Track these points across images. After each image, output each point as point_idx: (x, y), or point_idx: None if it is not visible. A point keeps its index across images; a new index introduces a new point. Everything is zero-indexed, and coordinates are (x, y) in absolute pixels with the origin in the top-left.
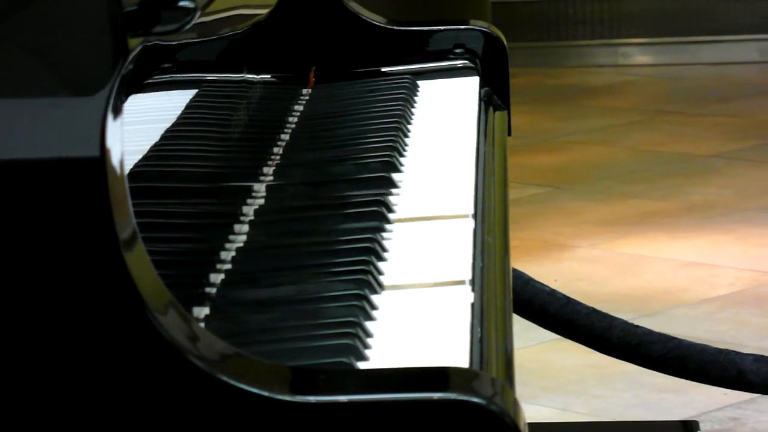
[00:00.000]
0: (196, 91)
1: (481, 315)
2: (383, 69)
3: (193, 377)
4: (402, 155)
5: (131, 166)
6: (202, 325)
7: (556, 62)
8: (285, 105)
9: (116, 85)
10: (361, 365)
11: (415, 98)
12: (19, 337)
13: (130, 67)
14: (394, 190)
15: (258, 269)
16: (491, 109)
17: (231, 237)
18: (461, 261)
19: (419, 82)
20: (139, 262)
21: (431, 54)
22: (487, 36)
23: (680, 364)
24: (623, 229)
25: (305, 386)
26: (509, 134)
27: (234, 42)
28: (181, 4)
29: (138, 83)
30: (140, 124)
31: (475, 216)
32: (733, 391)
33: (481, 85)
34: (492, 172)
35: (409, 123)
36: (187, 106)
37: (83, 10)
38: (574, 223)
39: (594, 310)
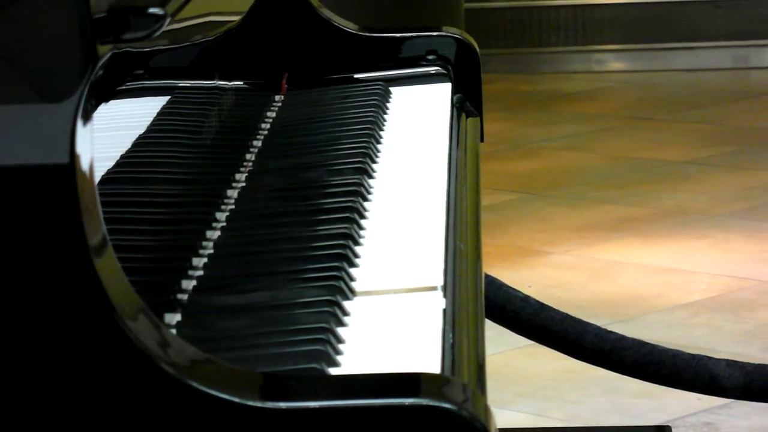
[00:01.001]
0: (169, 97)
1: (452, 321)
2: (356, 75)
3: (163, 383)
4: (374, 161)
5: (103, 173)
6: (174, 331)
7: (529, 68)
8: (257, 112)
9: (86, 92)
10: (333, 371)
11: (388, 105)
12: None
13: (100, 73)
14: (366, 196)
15: (230, 275)
16: (463, 115)
17: (203, 243)
18: (433, 267)
19: (392, 89)
20: (110, 269)
21: (404, 61)
22: (460, 42)
23: (654, 369)
24: (597, 235)
25: (276, 392)
26: (482, 140)
27: (206, 49)
28: (151, 11)
29: (110, 90)
30: (112, 131)
31: (447, 222)
32: (707, 396)
33: (454, 92)
34: (464, 178)
35: (382, 129)
36: (160, 113)
37: (52, 16)
38: (548, 229)
39: (567, 316)
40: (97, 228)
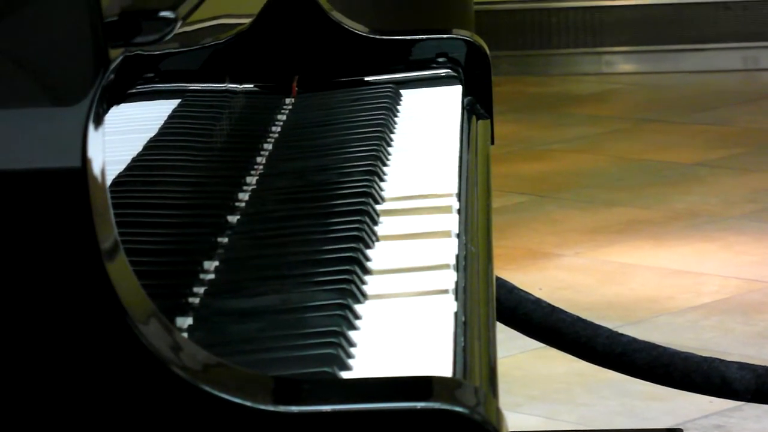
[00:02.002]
0: (180, 100)
1: (464, 324)
2: (366, 78)
3: (175, 387)
4: (385, 164)
5: (114, 176)
6: (185, 334)
7: (539, 70)
8: (268, 114)
9: (97, 96)
10: (345, 375)
11: (398, 107)
12: (0, 347)
13: (112, 77)
14: (377, 199)
15: (241, 279)
16: (474, 117)
17: (214, 246)
18: (444, 270)
19: (402, 91)
20: (121, 272)
21: (414, 63)
22: (470, 45)
23: (665, 372)
24: (608, 238)
25: (288, 396)
26: (492, 143)
27: (217, 51)
28: (162, 14)
29: (121, 93)
30: (124, 134)
31: (458, 224)
32: (719, 398)
33: (464, 94)
34: (475, 180)
35: (392, 132)
36: (170, 116)
37: (64, 20)
38: (559, 231)
39: (579, 319)
40: (108, 231)
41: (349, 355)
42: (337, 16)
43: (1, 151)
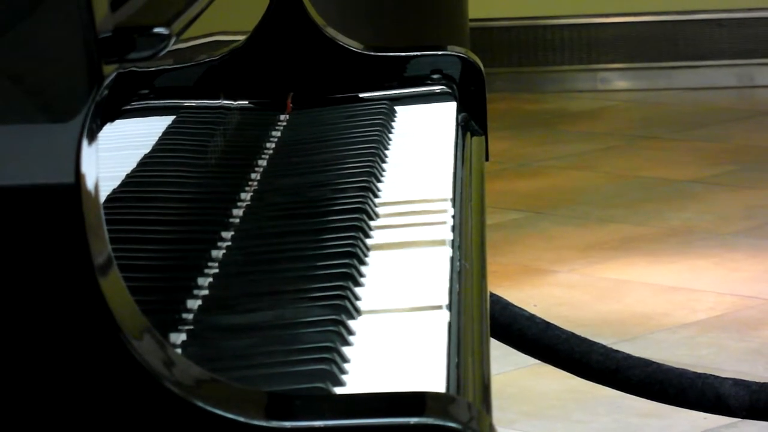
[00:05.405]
0: (174, 117)
1: (458, 340)
2: (361, 95)
3: (168, 403)
4: (379, 180)
5: (108, 192)
6: (179, 350)
7: (534, 87)
8: (262, 131)
9: (91, 112)
10: (338, 390)
11: (393, 124)
12: None
13: (105, 93)
14: (371, 215)
15: (235, 295)
16: (469, 134)
17: (208, 262)
18: (438, 286)
19: (397, 108)
20: (115, 288)
21: (409, 79)
22: (464, 61)
23: (659, 388)
24: (603, 254)
25: (281, 411)
26: (487, 159)
27: (211, 68)
28: (156, 30)
29: (115, 110)
30: (118, 151)
31: (452, 241)
32: (713, 415)
33: (459, 111)
34: (469, 197)
35: (387, 148)
36: (165, 133)
37: (57, 36)
38: (554, 248)
39: (573, 335)
40: (102, 247)
41: (343, 371)
42: (331, 32)
43: None
